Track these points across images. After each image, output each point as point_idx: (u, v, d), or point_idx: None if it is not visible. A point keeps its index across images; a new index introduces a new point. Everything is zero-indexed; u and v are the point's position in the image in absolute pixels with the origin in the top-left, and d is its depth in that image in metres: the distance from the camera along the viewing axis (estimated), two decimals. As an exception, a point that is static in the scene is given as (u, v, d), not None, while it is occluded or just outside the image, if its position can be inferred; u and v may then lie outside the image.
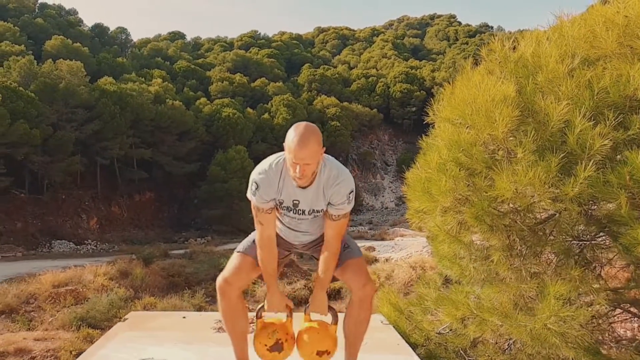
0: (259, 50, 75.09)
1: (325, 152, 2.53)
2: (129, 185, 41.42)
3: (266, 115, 51.67)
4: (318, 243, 2.78)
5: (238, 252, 2.76)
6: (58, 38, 49.19)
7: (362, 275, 2.66)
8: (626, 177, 2.20)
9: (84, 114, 36.84)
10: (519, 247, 2.69)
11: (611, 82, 2.36)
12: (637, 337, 2.82)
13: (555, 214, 2.61)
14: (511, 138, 2.48)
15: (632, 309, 2.92)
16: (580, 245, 2.72)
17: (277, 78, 64.87)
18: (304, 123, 2.45)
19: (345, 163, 58.60)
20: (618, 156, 2.37)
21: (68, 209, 36.47)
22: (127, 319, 3.99)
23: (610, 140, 2.28)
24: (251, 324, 2.91)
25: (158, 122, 41.16)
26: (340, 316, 2.81)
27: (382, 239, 32.24)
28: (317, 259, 2.79)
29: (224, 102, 49.34)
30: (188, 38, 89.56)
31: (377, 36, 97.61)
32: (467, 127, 2.72)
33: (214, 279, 2.81)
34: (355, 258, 2.70)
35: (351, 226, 43.61)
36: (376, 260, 23.40)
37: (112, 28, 72.08)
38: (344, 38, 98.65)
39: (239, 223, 35.12)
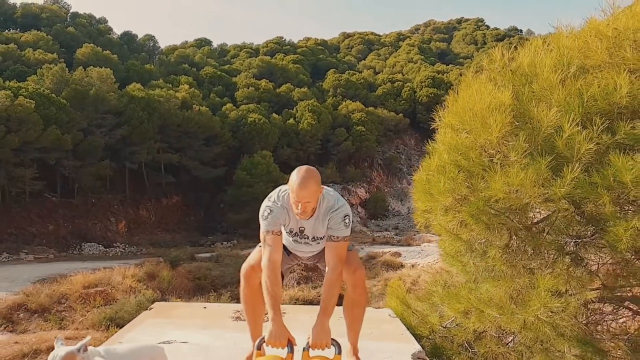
0: (284, 56, 75.38)
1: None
2: (156, 189, 42.04)
3: (291, 121, 51.92)
4: (321, 251, 3.00)
5: (260, 246, 2.97)
6: (89, 46, 50.24)
7: (352, 264, 2.89)
8: (610, 179, 2.33)
9: (113, 119, 37.63)
10: (515, 245, 2.84)
11: (599, 91, 2.50)
12: (629, 331, 2.93)
13: (550, 214, 2.74)
14: (511, 142, 2.62)
15: (631, 306, 3.03)
16: (577, 243, 2.86)
17: (302, 83, 65.06)
18: (305, 167, 2.75)
19: (370, 168, 58.52)
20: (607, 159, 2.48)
21: (97, 212, 37.15)
22: (152, 307, 4.32)
23: (596, 144, 2.42)
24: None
25: (185, 128, 41.74)
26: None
27: (409, 245, 32.09)
28: (322, 268, 3.02)
29: (249, 108, 49.78)
30: (214, 44, 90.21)
31: (403, 41, 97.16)
32: (466, 132, 2.88)
33: (240, 282, 3.02)
34: (342, 242, 2.87)
35: (377, 231, 43.56)
36: (402, 266, 23.23)
37: (140, 35, 73.27)
38: (370, 43, 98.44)
39: (264, 227, 35.28)
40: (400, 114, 64.00)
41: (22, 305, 13.52)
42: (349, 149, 52.41)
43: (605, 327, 2.99)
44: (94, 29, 63.78)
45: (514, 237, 2.82)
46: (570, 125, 2.43)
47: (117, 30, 76.47)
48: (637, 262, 2.61)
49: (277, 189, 2.91)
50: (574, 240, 2.84)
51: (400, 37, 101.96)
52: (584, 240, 2.80)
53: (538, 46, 2.89)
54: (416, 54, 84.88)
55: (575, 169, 2.38)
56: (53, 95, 34.48)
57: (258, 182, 38.33)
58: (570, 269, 2.68)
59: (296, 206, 2.64)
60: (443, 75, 70.81)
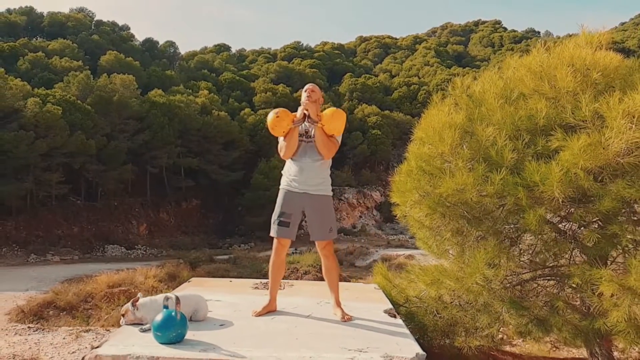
0: (301, 60, 75.97)
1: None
2: (176, 193, 42.83)
3: (308, 125, 52.34)
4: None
5: (277, 237, 3.98)
6: (112, 53, 51.49)
7: (324, 242, 3.85)
8: (528, 179, 3.00)
9: (135, 124, 38.54)
10: (465, 230, 3.55)
11: (525, 113, 3.19)
12: (551, 296, 3.60)
13: (496, 208, 3.41)
14: (472, 151, 3.28)
15: (571, 284, 3.71)
16: (516, 229, 3.58)
17: (319, 88, 65.37)
18: None
19: (386, 171, 58.78)
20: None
21: (120, 215, 38.03)
22: (190, 281, 5.58)
23: (519, 154, 3.10)
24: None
25: (204, 132, 42.55)
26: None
27: (423, 247, 32.33)
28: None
29: (267, 113, 50.11)
30: (233, 50, 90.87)
31: (420, 44, 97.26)
32: (429, 144, 3.59)
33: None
34: (326, 240, 3.87)
35: (392, 235, 43.97)
36: (415, 267, 23.61)
37: (161, 42, 74.56)
38: (386, 47, 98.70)
39: (281, 230, 35.80)
40: (416, 118, 63.77)
41: (51, 303, 14.22)
42: (364, 152, 52.85)
43: (536, 294, 3.68)
44: (117, 36, 65.14)
45: (466, 224, 3.53)
46: (502, 140, 3.13)
47: (139, 37, 77.69)
48: (551, 242, 3.29)
49: None
50: (511, 226, 3.56)
51: (417, 40, 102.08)
52: (517, 226, 3.50)
53: (491, 76, 3.61)
54: (432, 57, 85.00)
55: (501, 173, 3.07)
56: (79, 101, 35.57)
57: (275, 186, 38.00)
58: (495, 244, 3.42)
59: (304, 91, 3.90)
60: (459, 78, 70.60)
